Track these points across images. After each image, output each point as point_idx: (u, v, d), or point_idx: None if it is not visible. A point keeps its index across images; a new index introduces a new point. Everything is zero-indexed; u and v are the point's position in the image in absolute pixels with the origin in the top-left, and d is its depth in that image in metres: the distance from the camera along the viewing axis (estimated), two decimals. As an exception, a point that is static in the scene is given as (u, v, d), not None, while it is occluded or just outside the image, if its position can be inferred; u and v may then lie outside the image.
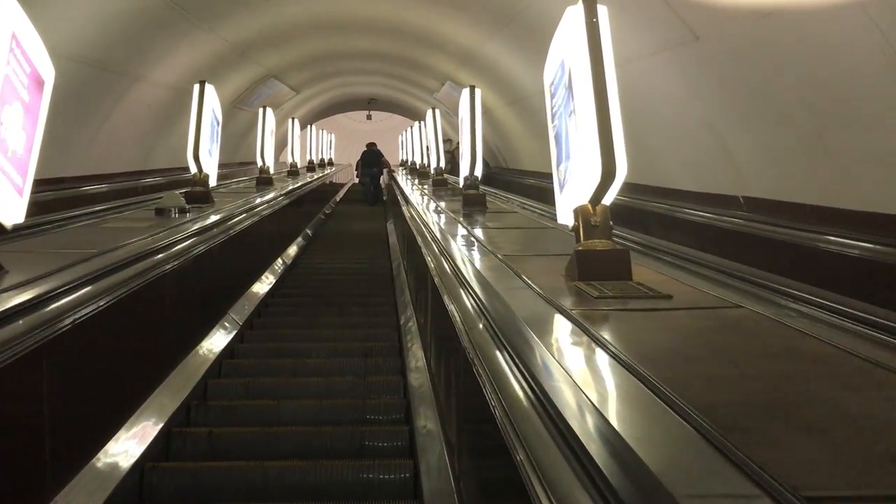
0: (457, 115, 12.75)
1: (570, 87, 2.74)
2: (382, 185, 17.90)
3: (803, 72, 4.21)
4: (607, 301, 2.22)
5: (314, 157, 16.90)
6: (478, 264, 2.88)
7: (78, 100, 7.74)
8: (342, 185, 22.81)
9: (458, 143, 15.79)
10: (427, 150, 13.54)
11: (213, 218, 5.14)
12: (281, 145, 19.22)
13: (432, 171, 9.82)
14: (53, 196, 7.60)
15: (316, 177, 14.09)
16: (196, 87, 6.09)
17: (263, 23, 10.17)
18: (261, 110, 9.48)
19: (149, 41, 8.28)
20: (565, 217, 2.90)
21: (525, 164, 13.70)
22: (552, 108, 3.09)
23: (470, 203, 6.07)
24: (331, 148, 22.87)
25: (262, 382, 4.30)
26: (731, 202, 5.71)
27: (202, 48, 9.63)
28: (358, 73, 18.93)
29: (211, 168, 6.07)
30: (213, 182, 6.20)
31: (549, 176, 10.60)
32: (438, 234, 4.08)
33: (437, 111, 9.53)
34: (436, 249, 3.82)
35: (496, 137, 14.47)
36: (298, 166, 13.23)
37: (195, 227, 4.60)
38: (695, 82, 5.58)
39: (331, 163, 22.15)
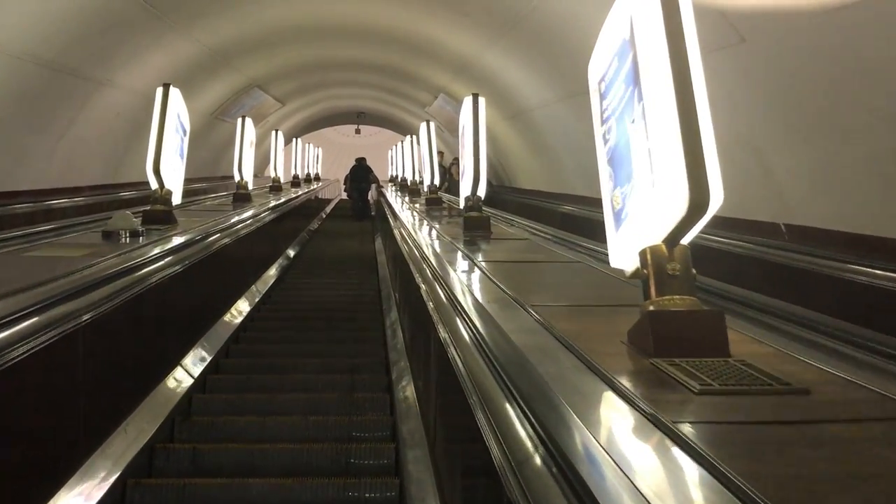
0: (449, 130, 11.62)
1: (635, 82, 1.98)
2: (371, 201, 17.61)
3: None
4: (716, 403, 1.45)
5: (299, 172, 16.11)
6: (505, 324, 2.11)
7: (31, 105, 6.93)
8: (329, 201, 22.02)
9: (454, 158, 14.99)
10: (419, 166, 12.84)
11: (171, 244, 4.34)
12: (266, 159, 18.45)
13: (425, 189, 9.06)
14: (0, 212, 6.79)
15: (300, 192, 13.31)
16: (159, 90, 5.31)
17: (244, 27, 9.41)
18: (239, 120, 8.70)
19: (114, 42, 7.49)
20: (623, 259, 2.13)
21: (523, 182, 12.97)
22: (603, 112, 2.34)
23: (472, 227, 5.31)
24: (317, 162, 22.09)
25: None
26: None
27: (176, 52, 8.85)
28: (346, 84, 18.20)
29: (175, 183, 5.28)
30: (177, 199, 5.40)
31: (550, 196, 9.77)
32: (441, 272, 3.30)
33: (432, 124, 8.78)
34: (441, 295, 3.04)
35: (492, 153, 13.79)
36: (282, 181, 12.44)
37: (144, 256, 3.81)
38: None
39: (317, 178, 21.37)
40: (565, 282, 3.18)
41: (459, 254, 4.15)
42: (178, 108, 5.33)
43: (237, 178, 8.55)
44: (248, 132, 8.66)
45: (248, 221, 6.74)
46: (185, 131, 5.66)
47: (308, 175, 19.32)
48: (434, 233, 5.69)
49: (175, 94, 5.29)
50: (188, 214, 6.30)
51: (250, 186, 8.77)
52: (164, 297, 4.07)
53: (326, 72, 15.25)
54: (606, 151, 2.30)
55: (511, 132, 11.90)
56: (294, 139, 15.93)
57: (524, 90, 9.44)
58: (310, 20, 10.17)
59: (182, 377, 3.82)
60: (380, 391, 4.49)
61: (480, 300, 2.48)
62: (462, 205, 5.55)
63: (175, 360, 4.02)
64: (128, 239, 4.33)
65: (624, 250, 2.14)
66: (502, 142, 12.71)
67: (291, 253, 9.76)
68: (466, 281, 3.06)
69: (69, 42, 6.70)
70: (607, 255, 4.97)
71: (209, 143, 14.03)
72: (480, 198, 5.41)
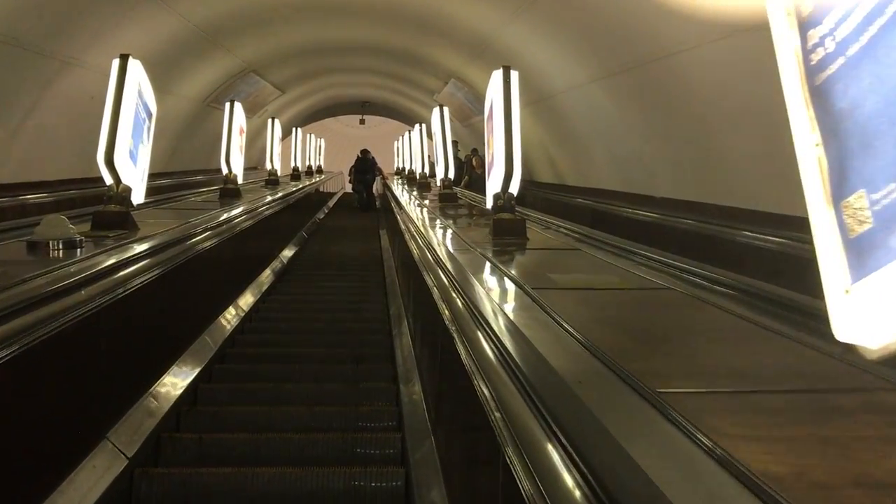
0: (459, 119, 10.32)
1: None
2: (376, 194, 17.47)
3: None
4: None
5: (299, 164, 15.06)
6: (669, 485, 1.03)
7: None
8: (332, 195, 20.97)
9: (473, 149, 13.73)
10: (430, 157, 11.75)
11: (115, 258, 3.30)
12: (265, 151, 17.39)
13: (438, 183, 7.98)
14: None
15: (300, 186, 12.25)
16: (115, 62, 4.27)
17: (234, 1, 8.34)
18: (227, 104, 7.64)
19: (78, 14, 6.45)
20: (871, 324, 1.08)
21: (543, 175, 11.89)
22: (813, 49, 1.26)
23: (504, 232, 4.25)
24: (320, 154, 21.03)
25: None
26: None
27: (157, 27, 7.79)
28: (349, 71, 17.12)
29: (134, 178, 4.25)
30: (139, 197, 4.38)
31: (577, 191, 8.61)
32: (483, 317, 2.24)
33: (445, 109, 7.70)
34: (487, 351, 1.99)
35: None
36: (279, 174, 11.39)
37: (68, 278, 2.77)
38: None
39: (319, 170, 20.31)
40: (686, 329, 2.12)
41: (497, 274, 3.10)
42: (138, 84, 4.40)
43: (224, 170, 7.50)
44: (237, 117, 7.59)
45: (234, 222, 5.70)
46: (149, 114, 4.63)
47: (309, 167, 18.26)
48: (454, 238, 4.64)
49: (135, 66, 4.38)
50: (159, 215, 5.27)
51: (240, 180, 7.72)
52: (105, 333, 3.03)
53: (328, 56, 14.18)
54: (829, 123, 1.23)
55: (531, 120, 10.80)
56: (294, 129, 14.89)
57: (550, 71, 8.36)
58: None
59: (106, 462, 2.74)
60: (392, 447, 3.42)
61: (575, 393, 1.42)
62: (489, 203, 4.49)
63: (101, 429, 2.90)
64: (61, 252, 3.29)
65: (878, 307, 1.08)
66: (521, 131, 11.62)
67: (287, 254, 8.71)
68: (526, 326, 2.00)
69: (23, 11, 5.67)
70: (691, 273, 3.66)
71: (203, 132, 12.96)
72: (513, 196, 4.36)
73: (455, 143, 13.04)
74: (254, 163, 17.06)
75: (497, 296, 2.65)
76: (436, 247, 4.20)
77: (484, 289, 2.67)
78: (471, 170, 12.63)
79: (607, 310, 2.31)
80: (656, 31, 5.66)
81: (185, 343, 4.27)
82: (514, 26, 8.00)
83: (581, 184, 9.02)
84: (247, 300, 5.87)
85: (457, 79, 12.90)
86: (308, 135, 18.85)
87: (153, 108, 4.68)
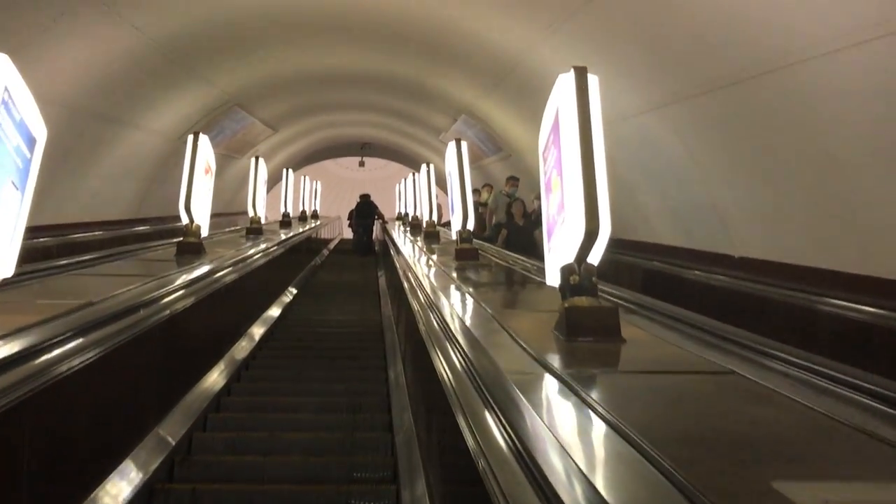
0: (469, 160, 8.68)
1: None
2: (375, 239, 17.45)
3: None
4: None
5: (290, 209, 13.45)
6: None
7: None
8: (328, 242, 19.34)
9: (504, 192, 10.40)
10: (437, 203, 10.17)
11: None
12: (237, 192, 15.83)
13: (453, 235, 6.34)
14: None
15: (290, 235, 10.62)
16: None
17: (199, 13, 6.79)
18: (190, 137, 6.04)
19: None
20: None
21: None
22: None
23: (580, 327, 2.61)
24: (315, 198, 19.47)
25: None
26: None
27: (101, 41, 6.24)
28: (348, 107, 15.66)
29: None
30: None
31: (624, 245, 6.84)
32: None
33: (464, 143, 6.11)
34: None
35: (527, 190, 11.02)
36: (263, 222, 9.76)
37: None
38: None
39: (315, 215, 18.74)
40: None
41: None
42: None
43: (184, 219, 5.88)
44: (201, 154, 6.00)
45: (163, 302, 4.02)
46: (27, 140, 3.05)
47: (303, 212, 16.66)
48: (493, 335, 2.97)
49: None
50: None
51: (205, 231, 6.09)
52: None
53: (324, 89, 12.69)
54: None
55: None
56: (284, 170, 13.37)
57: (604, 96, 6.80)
58: (296, 11, 7.56)
59: None
60: None
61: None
62: (553, 276, 2.83)
63: None
64: None
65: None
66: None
67: (257, 332, 6.92)
68: None
69: None
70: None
71: (179, 174, 11.35)
72: (594, 270, 2.73)
73: (476, 191, 11.32)
74: (244, 208, 15.47)
75: None
76: (466, 354, 2.55)
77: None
78: (508, 220, 9.76)
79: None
80: (761, 35, 4.10)
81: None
82: (547, 44, 6.46)
83: (630, 236, 7.37)
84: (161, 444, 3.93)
85: (468, 114, 11.39)
86: (302, 177, 17.34)
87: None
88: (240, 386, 5.04)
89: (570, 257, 2.74)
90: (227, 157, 13.97)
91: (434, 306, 3.41)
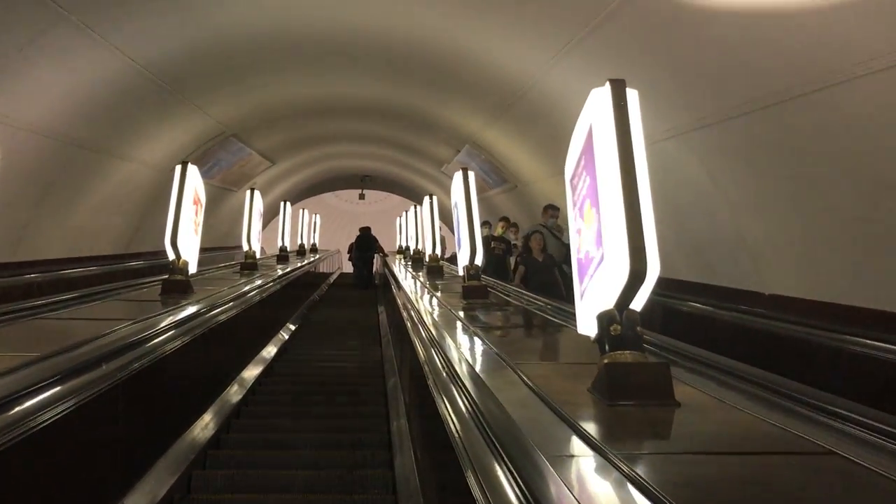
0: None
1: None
2: (375, 271, 17.39)
3: None
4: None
5: (288, 243, 13.03)
6: None
7: None
8: (328, 276, 18.87)
9: (543, 224, 9.17)
10: (441, 236, 9.78)
11: None
12: (232, 225, 15.38)
13: (460, 270, 5.91)
14: None
15: (287, 270, 10.17)
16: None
17: (188, 34, 6.41)
18: (178, 167, 5.61)
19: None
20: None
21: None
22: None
23: (625, 389, 2.16)
24: (314, 231, 19.06)
25: None
26: None
27: (78, 64, 5.85)
28: (348, 138, 15.31)
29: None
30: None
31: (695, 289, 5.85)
32: None
33: (471, 173, 5.71)
34: None
35: (527, 218, 10.56)
36: (259, 256, 9.33)
37: None
38: None
39: (314, 249, 18.31)
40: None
41: None
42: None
43: (170, 254, 5.45)
44: (189, 184, 5.59)
45: (148, 345, 3.57)
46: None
47: (301, 246, 16.23)
48: (521, 399, 2.51)
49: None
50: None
51: (193, 267, 5.64)
52: None
53: (323, 120, 12.34)
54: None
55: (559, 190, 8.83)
56: (282, 203, 12.98)
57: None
58: (286, 37, 7.18)
59: None
60: None
61: None
62: (585, 325, 2.39)
63: None
64: None
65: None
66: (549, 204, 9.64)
67: (249, 376, 6.46)
68: None
69: None
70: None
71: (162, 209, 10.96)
72: (637, 317, 2.29)
73: (486, 224, 10.67)
74: (241, 241, 15.01)
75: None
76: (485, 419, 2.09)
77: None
78: (525, 255, 8.52)
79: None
80: (808, 53, 3.70)
81: None
82: (559, 67, 6.08)
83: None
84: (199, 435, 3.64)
85: (472, 145, 11.02)
86: (301, 210, 16.93)
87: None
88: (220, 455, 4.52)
89: (609, 302, 2.30)
90: (224, 189, 13.59)
91: (447, 370, 2.94)
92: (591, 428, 1.89)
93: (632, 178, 2.25)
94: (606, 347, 2.26)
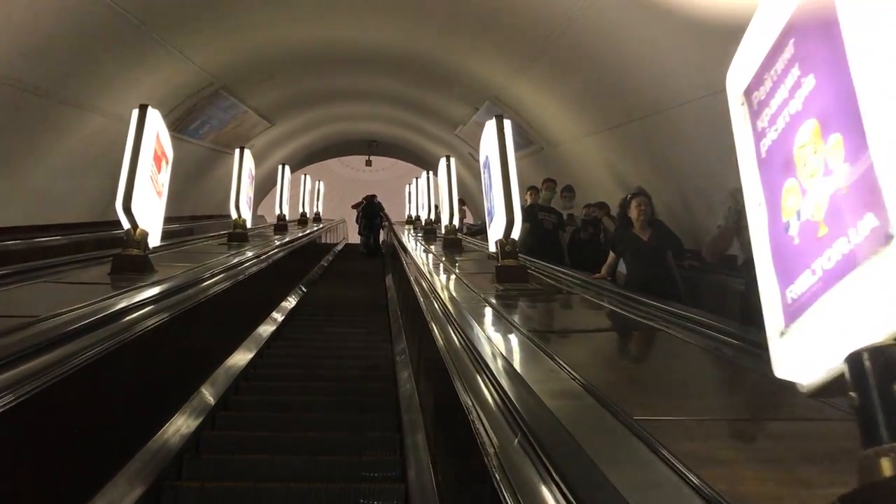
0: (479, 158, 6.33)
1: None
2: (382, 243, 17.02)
3: None
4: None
5: (286, 212, 11.83)
6: None
7: None
8: (332, 247, 17.62)
9: (531, 186, 8.16)
10: (446, 202, 8.53)
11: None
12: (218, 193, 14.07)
13: (492, 246, 4.67)
14: None
15: (284, 241, 8.98)
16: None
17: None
18: (135, 111, 4.39)
19: None
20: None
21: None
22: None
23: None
24: (318, 199, 17.85)
25: None
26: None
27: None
28: (353, 97, 14.00)
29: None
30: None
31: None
32: None
33: (507, 122, 4.48)
34: None
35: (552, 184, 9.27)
36: (248, 224, 8.13)
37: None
38: None
39: (318, 218, 17.13)
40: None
41: None
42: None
43: (124, 223, 4.27)
44: (149, 134, 4.38)
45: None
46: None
47: (303, 215, 15.01)
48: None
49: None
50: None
51: (156, 239, 4.46)
52: None
53: (323, 72, 11.06)
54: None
55: (596, 150, 7.56)
56: (280, 166, 11.78)
57: (657, 71, 5.12)
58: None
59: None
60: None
61: None
62: (803, 375, 1.20)
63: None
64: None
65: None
66: (586, 168, 8.40)
67: (239, 361, 5.33)
68: None
69: None
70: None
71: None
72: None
73: (541, 186, 8.26)
74: (214, 209, 13.78)
75: None
76: None
77: None
78: (624, 232, 5.65)
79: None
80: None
81: None
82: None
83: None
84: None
85: (493, 101, 9.74)
86: (302, 175, 15.72)
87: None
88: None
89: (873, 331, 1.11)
90: (217, 151, 12.33)
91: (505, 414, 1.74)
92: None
93: None
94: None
